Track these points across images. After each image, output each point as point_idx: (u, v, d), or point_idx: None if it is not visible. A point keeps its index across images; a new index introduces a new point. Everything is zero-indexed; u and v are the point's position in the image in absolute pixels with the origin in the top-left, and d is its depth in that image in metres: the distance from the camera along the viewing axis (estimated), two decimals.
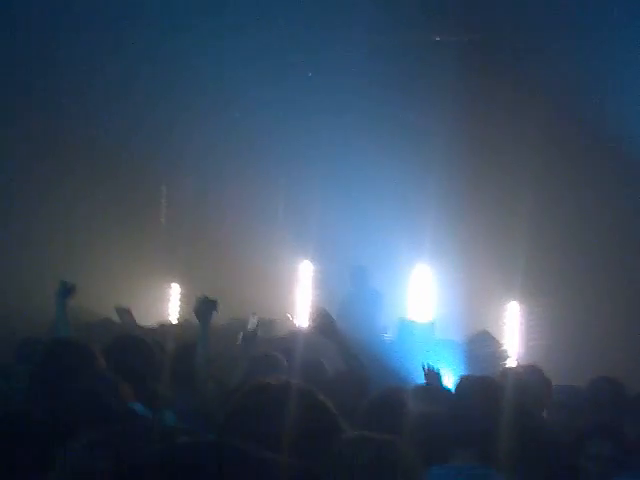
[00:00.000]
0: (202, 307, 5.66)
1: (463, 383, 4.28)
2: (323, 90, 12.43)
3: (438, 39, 12.43)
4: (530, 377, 5.54)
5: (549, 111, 11.76)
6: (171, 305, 13.75)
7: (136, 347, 5.03)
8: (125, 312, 9.94)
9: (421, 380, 5.65)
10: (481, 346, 7.83)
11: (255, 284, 12.47)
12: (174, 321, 12.94)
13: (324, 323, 5.47)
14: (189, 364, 5.26)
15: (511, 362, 8.58)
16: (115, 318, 9.75)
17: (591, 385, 5.37)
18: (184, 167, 13.56)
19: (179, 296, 13.73)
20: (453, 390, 4.74)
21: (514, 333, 11.79)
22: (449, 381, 6.08)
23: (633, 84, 11.05)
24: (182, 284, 13.61)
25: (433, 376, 5.56)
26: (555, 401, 5.26)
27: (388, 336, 10.52)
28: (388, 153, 12.09)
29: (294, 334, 10.30)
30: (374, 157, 12.33)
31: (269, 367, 5.66)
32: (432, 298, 12.41)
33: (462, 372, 7.62)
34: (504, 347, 8.42)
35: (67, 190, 12.74)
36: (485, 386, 4.03)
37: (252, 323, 6.15)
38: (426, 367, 5.59)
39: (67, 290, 6.17)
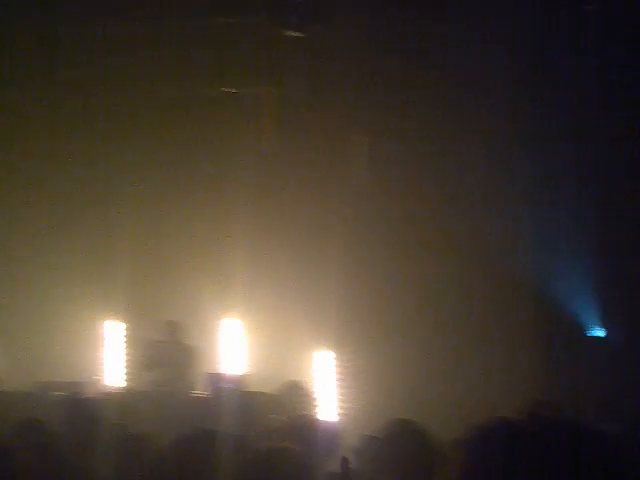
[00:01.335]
0: None
1: None
2: None
3: (233, 91, 12.58)
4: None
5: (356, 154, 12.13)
6: None
7: None
8: None
9: None
10: (290, 396, 7.84)
11: (60, 345, 12.06)
12: None
13: None
14: None
15: (322, 410, 8.67)
16: None
17: (387, 429, 5.40)
18: None
19: None
20: None
21: (327, 382, 11.85)
22: None
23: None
24: None
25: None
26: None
27: (200, 392, 10.38)
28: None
29: (102, 395, 10.05)
30: (182, 212, 12.34)
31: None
32: (243, 351, 12.34)
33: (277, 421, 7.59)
34: (314, 396, 8.47)
35: None
36: None
37: None
38: None
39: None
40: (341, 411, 11.47)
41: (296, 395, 7.98)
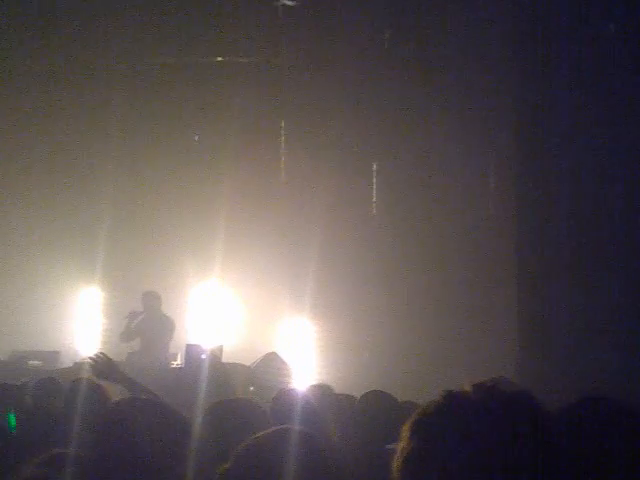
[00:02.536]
0: None
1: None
2: None
3: (220, 59, 12.50)
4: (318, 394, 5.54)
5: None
6: None
7: None
8: None
9: None
10: (268, 367, 7.86)
11: (39, 314, 11.98)
12: None
13: (103, 367, 5.30)
14: None
15: (299, 380, 8.73)
16: None
17: (363, 398, 5.47)
18: None
19: None
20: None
21: (306, 351, 11.88)
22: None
23: None
24: None
25: None
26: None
27: (177, 363, 10.35)
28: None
29: (79, 366, 9.99)
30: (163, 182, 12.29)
31: None
32: (221, 322, 12.31)
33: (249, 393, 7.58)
34: (291, 367, 8.48)
35: None
36: None
37: None
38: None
39: None
40: (318, 382, 11.49)
41: (274, 367, 7.99)
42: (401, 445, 1.70)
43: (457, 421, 1.67)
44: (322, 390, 5.52)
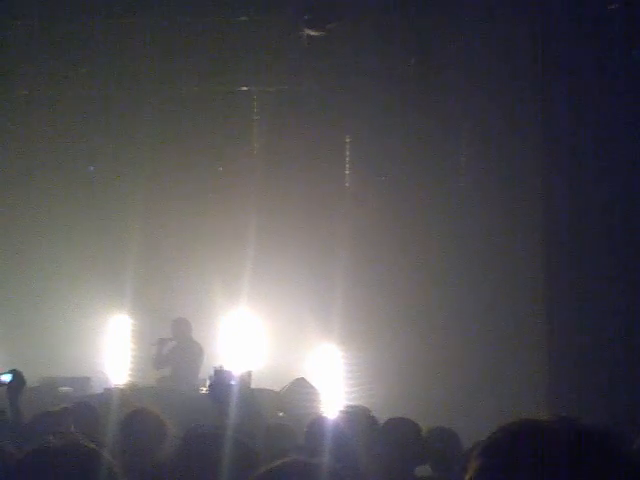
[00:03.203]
0: (13, 383, 5.63)
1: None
2: None
3: (245, 89, 12.60)
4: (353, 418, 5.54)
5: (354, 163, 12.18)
6: None
7: None
8: None
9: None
10: (297, 393, 7.87)
11: (70, 341, 12.06)
12: None
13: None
14: None
15: (330, 405, 8.72)
16: None
17: (386, 424, 5.47)
18: None
19: None
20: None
21: (334, 376, 11.85)
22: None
23: None
24: None
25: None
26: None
27: (206, 389, 10.36)
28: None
29: (110, 392, 10.04)
30: (189, 209, 12.35)
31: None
32: (250, 348, 12.33)
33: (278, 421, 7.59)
34: (319, 392, 8.48)
35: None
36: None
37: None
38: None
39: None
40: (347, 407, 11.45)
41: (303, 392, 8.00)
42: (470, 471, 1.64)
43: (532, 451, 1.59)
44: (356, 415, 5.52)
